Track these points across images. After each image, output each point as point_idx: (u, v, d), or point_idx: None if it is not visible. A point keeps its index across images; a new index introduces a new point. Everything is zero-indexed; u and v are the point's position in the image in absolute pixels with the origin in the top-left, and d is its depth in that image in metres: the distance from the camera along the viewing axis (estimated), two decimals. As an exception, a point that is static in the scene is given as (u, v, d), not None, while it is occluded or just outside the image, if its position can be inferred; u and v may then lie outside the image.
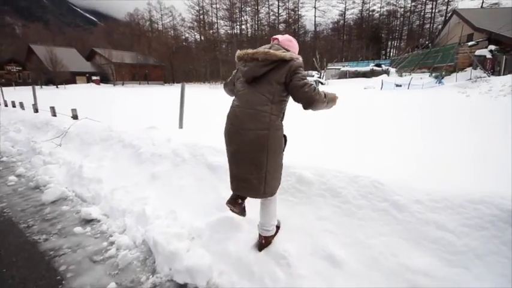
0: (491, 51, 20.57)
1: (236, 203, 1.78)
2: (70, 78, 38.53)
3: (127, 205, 2.46)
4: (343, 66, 31.14)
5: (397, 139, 4.15)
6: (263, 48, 1.60)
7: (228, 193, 1.85)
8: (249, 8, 47.26)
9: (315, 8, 47.68)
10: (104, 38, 57.64)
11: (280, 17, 48.66)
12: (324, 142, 3.86)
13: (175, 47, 53.04)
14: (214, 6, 48.17)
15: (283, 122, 1.69)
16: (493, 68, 20.11)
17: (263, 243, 1.77)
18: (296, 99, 1.60)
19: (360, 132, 4.78)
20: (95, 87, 36.97)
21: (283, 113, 1.68)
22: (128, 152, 3.38)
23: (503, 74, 17.67)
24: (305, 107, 1.60)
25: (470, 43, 23.16)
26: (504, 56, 19.17)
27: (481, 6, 35.91)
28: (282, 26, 49.43)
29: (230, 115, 1.68)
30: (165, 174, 2.77)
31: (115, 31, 61.00)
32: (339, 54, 45.00)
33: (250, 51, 1.60)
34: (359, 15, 50.11)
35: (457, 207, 1.65)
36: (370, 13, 50.19)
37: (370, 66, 28.77)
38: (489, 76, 18.71)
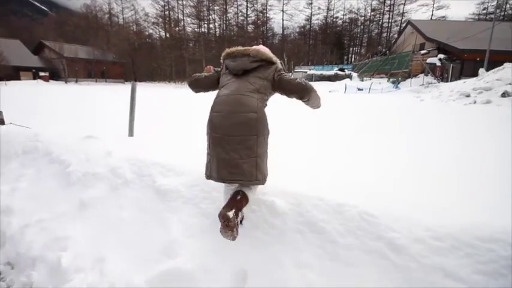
0: (440, 59, 22.48)
1: (230, 212, 1.44)
2: (12, 74, 33.97)
3: (40, 250, 1.79)
4: (310, 69, 31.86)
5: (375, 148, 3.93)
6: (253, 48, 1.74)
7: (183, 228, 1.34)
8: (218, 7, 46.31)
9: (282, 11, 48.36)
10: (55, 29, 51.97)
11: (248, 18, 48.46)
12: (292, 154, 3.48)
13: (137, 43, 49.89)
14: (180, 2, 46.34)
15: None
16: (442, 74, 21.99)
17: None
18: (290, 91, 1.71)
19: (332, 140, 4.51)
20: (42, 84, 32.95)
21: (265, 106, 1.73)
22: (54, 169, 2.63)
23: (451, 81, 19.36)
24: (301, 96, 1.71)
25: (422, 51, 25.13)
26: (451, 64, 21.05)
27: (431, 19, 39.39)
28: (250, 27, 49.33)
29: (217, 103, 1.66)
30: (99, 202, 2.13)
31: (68, 23, 55.44)
32: (306, 57, 46.21)
33: (241, 48, 1.73)
34: (324, 21, 52.01)
35: (466, 247, 1.33)
36: (334, 20, 52.40)
37: (334, 71, 29.77)
38: (439, 82, 20.39)
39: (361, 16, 51.07)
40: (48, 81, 37.01)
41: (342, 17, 52.32)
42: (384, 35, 49.68)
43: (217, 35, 48.93)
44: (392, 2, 46.97)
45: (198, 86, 1.97)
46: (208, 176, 1.67)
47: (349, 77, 28.20)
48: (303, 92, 1.68)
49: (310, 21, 51.86)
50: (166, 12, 47.75)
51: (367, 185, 1.96)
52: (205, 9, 46.28)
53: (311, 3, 50.31)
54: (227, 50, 1.76)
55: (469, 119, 7.42)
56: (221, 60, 1.81)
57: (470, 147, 3.93)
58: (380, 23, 49.40)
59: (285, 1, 47.66)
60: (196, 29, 47.76)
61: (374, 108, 10.08)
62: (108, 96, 11.80)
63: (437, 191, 2.01)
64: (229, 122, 1.54)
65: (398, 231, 1.43)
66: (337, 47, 48.08)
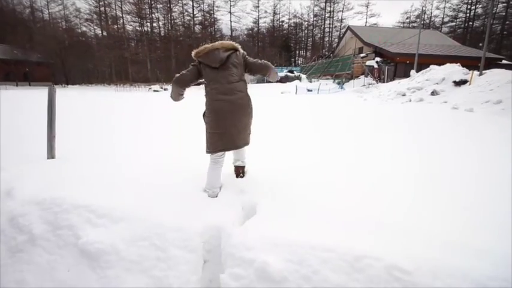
0: (377, 62, 24.75)
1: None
2: None
3: None
4: (261, 71, 32.01)
5: (367, 155, 3.71)
6: (217, 42, 2.13)
7: None
8: (161, 5, 43.52)
9: (230, 13, 47.93)
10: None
11: (195, 19, 46.72)
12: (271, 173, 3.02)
13: (68, 42, 43.98)
14: (117, -2, 42.29)
15: None
16: (379, 76, 24.23)
17: (241, 173, 2.41)
18: (256, 70, 2.21)
19: (317, 149, 4.17)
20: None
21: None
22: None
23: (387, 81, 21.43)
24: (265, 73, 2.24)
25: (361, 55, 27.40)
26: (386, 67, 23.33)
27: (365, 25, 43.48)
28: (197, 28, 47.68)
29: (215, 94, 2.04)
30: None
31: (-26, 16, 45.97)
32: (255, 59, 46.67)
33: (208, 45, 2.09)
34: (271, 24, 53.26)
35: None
36: (280, 23, 54.05)
37: (284, 72, 30.52)
38: (377, 83, 22.41)
39: (304, 21, 53.79)
40: None
41: (287, 21, 54.33)
42: (327, 39, 53.17)
43: (162, 34, 46.07)
44: (332, 9, 50.56)
45: (185, 81, 2.16)
46: (220, 149, 2.10)
47: (299, 78, 29.21)
48: (266, 69, 2.21)
49: (258, 23, 52.60)
50: (102, 8, 43.09)
51: (376, 213, 1.57)
52: (147, 7, 43.07)
53: (258, 7, 51.05)
54: (196, 50, 2.10)
55: (411, 116, 8.03)
56: (194, 58, 2.13)
57: (450, 149, 4.02)
58: (322, 28, 52.69)
59: (232, 3, 47.41)
60: (138, 28, 44.16)
61: (330, 108, 10.29)
62: (28, 103, 9.73)
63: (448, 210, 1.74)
64: (233, 107, 2.02)
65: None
66: (284, 49, 49.65)
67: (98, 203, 1.63)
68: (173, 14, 43.05)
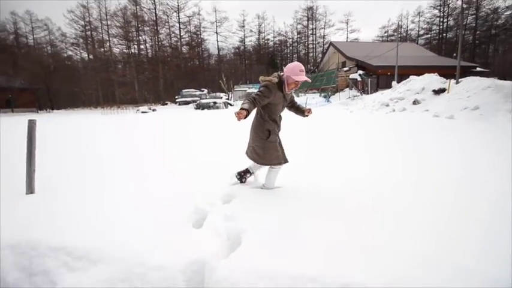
0: (360, 75, 25.66)
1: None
2: None
3: None
4: (249, 88, 32.63)
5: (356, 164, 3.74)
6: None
7: None
8: (148, 28, 44.25)
9: (216, 33, 49.18)
10: None
11: (182, 40, 47.61)
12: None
13: (53, 66, 43.73)
14: (104, 22, 42.77)
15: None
16: (363, 88, 25.04)
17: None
18: None
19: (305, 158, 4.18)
20: None
21: (269, 116, 2.58)
22: None
23: (371, 93, 22.13)
24: None
25: (345, 69, 28.40)
26: (369, 79, 24.19)
27: (346, 40, 45.32)
28: (185, 48, 48.50)
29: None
30: None
31: (-45, 44, 45.32)
32: (243, 76, 47.54)
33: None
34: (257, 42, 54.86)
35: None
36: (266, 41, 55.78)
37: (272, 88, 31.06)
38: (362, 95, 23.11)
39: (289, 38, 55.70)
40: None
41: (272, 39, 56.14)
42: (311, 54, 55.00)
43: (150, 56, 46.54)
44: (314, 26, 52.72)
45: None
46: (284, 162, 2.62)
47: (286, 93, 29.74)
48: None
49: (244, 42, 54.05)
50: (88, 33, 43.44)
51: (365, 236, 1.57)
52: (133, 30, 43.74)
53: (243, 26, 52.69)
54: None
55: (397, 126, 8.25)
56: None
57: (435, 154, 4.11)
58: (306, 44, 54.64)
59: (218, 23, 48.77)
60: (125, 50, 44.51)
61: (318, 121, 10.47)
62: (9, 132, 9.47)
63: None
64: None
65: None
66: (271, 66, 50.94)
67: (75, 244, 1.56)
68: (160, 35, 43.77)
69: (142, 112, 23.29)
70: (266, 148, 2.53)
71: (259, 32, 54.40)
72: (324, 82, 29.21)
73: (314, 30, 53.14)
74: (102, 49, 43.94)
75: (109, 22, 42.40)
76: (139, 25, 43.39)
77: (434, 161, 3.92)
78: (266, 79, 2.48)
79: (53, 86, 40.81)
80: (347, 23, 50.78)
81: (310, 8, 51.00)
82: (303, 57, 55.86)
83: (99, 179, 3.23)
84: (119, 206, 2.28)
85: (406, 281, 1.20)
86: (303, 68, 2.40)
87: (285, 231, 1.73)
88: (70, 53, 47.18)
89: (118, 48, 44.46)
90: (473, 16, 38.24)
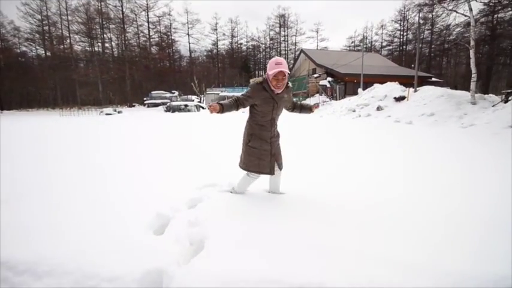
0: (329, 82, 26.79)
1: None
2: None
3: None
4: (222, 91, 32.41)
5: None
6: None
7: None
8: (114, 26, 41.97)
9: (188, 34, 48.23)
10: None
11: (152, 40, 45.90)
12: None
13: (4, 63, 39.59)
14: (64, 17, 39.75)
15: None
16: (332, 94, 26.14)
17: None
18: None
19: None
20: None
21: (254, 120, 2.43)
22: None
23: (339, 99, 23.18)
24: None
25: (315, 75, 29.44)
26: (338, 86, 25.33)
27: (317, 48, 47.16)
28: (154, 49, 46.83)
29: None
30: None
31: None
32: (216, 80, 47.12)
33: None
34: (230, 46, 54.85)
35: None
36: (239, 46, 55.96)
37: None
38: (331, 100, 24.11)
39: (262, 43, 56.52)
40: None
41: (245, 43, 56.52)
42: (283, 60, 56.20)
43: (116, 55, 44.15)
44: (286, 33, 54.11)
45: None
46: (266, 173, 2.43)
47: (259, 97, 30.01)
48: None
49: (217, 45, 53.69)
50: (46, 28, 40.06)
51: (328, 239, 1.54)
52: (98, 27, 41.24)
53: (216, 29, 52.37)
54: None
55: (363, 130, 8.69)
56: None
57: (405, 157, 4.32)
58: (278, 50, 55.81)
59: (190, 25, 47.94)
60: (87, 48, 41.68)
61: (288, 125, 10.63)
62: None
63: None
64: None
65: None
66: (244, 70, 51.18)
67: (19, 257, 1.36)
68: (127, 34, 41.75)
69: (107, 114, 21.92)
70: (246, 153, 2.40)
71: (232, 36, 54.49)
72: (296, 87, 29.98)
73: (286, 37, 54.57)
74: (62, 46, 40.78)
75: (70, 18, 39.51)
76: (104, 22, 41.05)
77: (399, 163, 4.13)
78: (253, 80, 2.43)
79: (3, 84, 36.88)
80: (317, 31, 52.93)
81: (282, 16, 52.34)
82: (275, 62, 56.92)
83: (54, 186, 2.91)
84: (75, 214, 2.07)
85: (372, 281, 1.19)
86: (280, 60, 2.17)
87: (250, 236, 1.67)
88: (24, 49, 43.13)
89: (80, 45, 41.54)
90: (429, 31, 42.05)
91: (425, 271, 1.30)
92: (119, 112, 23.59)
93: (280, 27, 53.51)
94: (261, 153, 2.36)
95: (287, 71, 2.18)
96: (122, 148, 5.61)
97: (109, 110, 23.64)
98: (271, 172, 2.39)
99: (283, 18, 52.62)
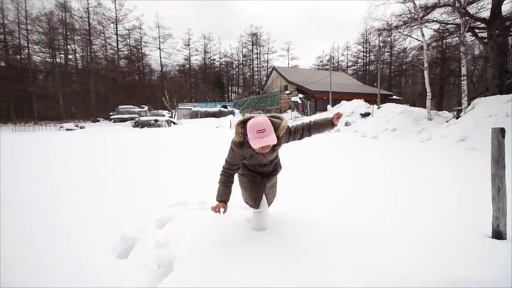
0: (300, 98, 27.83)
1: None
2: None
3: None
4: (194, 106, 32.05)
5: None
6: None
7: None
8: (79, 37, 40.01)
9: (159, 49, 47.59)
10: None
11: (121, 53, 44.43)
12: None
13: None
14: (23, 26, 37.12)
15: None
16: (303, 110, 27.12)
17: None
18: None
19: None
20: None
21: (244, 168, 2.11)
22: None
23: (310, 115, 24.10)
24: None
25: (287, 92, 30.44)
26: (308, 102, 26.38)
27: (288, 66, 49.14)
28: (123, 62, 45.32)
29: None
30: None
31: None
32: (188, 94, 46.57)
33: None
34: (202, 61, 54.96)
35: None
36: (212, 61, 56.34)
37: (218, 107, 31.20)
38: (302, 116, 24.95)
39: (235, 60, 57.55)
40: None
41: (218, 59, 57.12)
42: (256, 77, 57.58)
43: (80, 67, 41.86)
44: (258, 51, 55.80)
45: None
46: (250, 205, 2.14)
47: (232, 113, 30.15)
48: None
49: (190, 60, 53.56)
50: (1, 36, 37.07)
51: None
52: (61, 38, 39.06)
53: (188, 45, 52.40)
54: None
55: (333, 144, 9.00)
56: None
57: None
58: (251, 67, 57.17)
59: (162, 39, 47.47)
60: (48, 59, 39.03)
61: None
62: None
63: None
64: None
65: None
66: (217, 85, 51.32)
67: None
68: (94, 46, 40.07)
69: (67, 129, 20.36)
70: (239, 184, 2.14)
71: (205, 52, 54.85)
72: (269, 103, 30.64)
73: (258, 54, 56.20)
74: (19, 56, 37.84)
75: (29, 27, 37.03)
76: (68, 33, 39.09)
77: (368, 175, 4.28)
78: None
79: None
80: (288, 50, 55.28)
81: (254, 34, 54.08)
82: (248, 78, 58.07)
83: (8, 214, 2.53)
84: (32, 240, 1.80)
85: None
86: (262, 127, 1.66)
87: (222, 256, 1.56)
88: (-27, 57, 39.30)
89: (40, 56, 38.82)
90: (389, 53, 46.06)
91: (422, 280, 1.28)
92: (80, 127, 22.08)
93: (252, 45, 55.12)
94: (245, 184, 2.08)
95: (273, 142, 1.71)
96: (84, 165, 5.16)
97: (70, 125, 22.04)
98: (254, 206, 2.03)
99: (255, 37, 54.37)
